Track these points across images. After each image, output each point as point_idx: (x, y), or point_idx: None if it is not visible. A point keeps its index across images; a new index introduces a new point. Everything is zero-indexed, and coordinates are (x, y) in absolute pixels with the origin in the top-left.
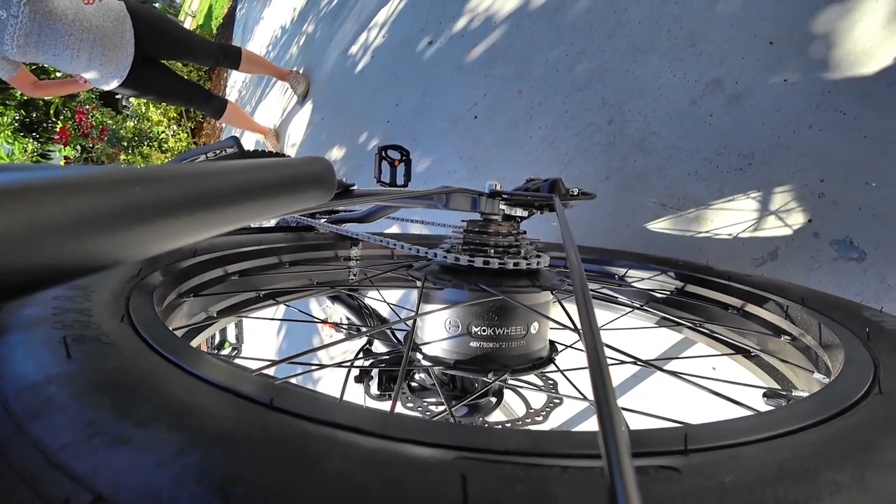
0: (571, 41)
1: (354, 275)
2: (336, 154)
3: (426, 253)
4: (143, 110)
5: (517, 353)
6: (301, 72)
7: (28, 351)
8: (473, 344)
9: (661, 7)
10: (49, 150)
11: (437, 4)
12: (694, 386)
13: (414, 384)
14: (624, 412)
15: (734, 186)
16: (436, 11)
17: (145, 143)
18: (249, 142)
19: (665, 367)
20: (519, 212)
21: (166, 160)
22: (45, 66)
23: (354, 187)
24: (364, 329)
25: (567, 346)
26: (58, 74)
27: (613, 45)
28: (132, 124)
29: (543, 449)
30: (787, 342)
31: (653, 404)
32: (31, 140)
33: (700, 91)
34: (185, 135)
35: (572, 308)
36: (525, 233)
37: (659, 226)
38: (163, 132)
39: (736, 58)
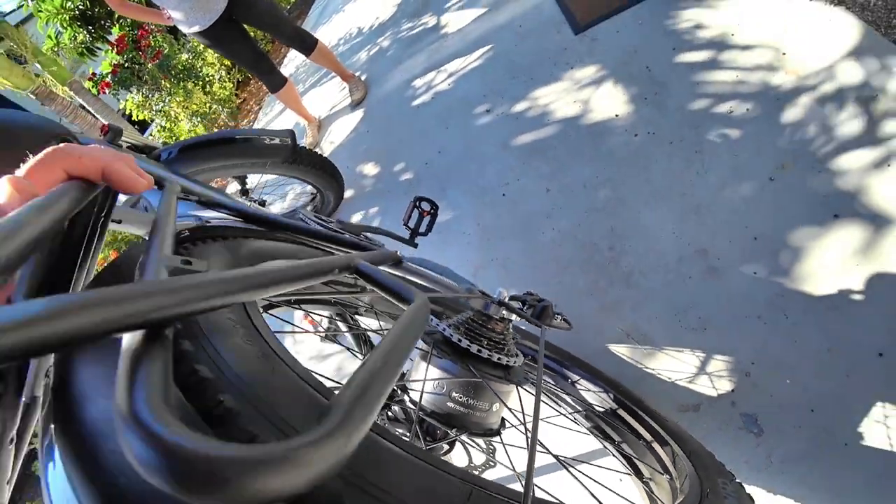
0: (604, 166)
1: (365, 303)
2: (369, 170)
3: (435, 324)
4: (202, 48)
5: (477, 420)
6: (363, 79)
7: None
8: (449, 404)
9: (685, 171)
10: (98, 48)
11: (506, 80)
12: (592, 488)
13: (390, 413)
14: (538, 489)
15: (686, 341)
16: (502, 85)
17: (192, 79)
18: (291, 121)
19: (576, 467)
20: (513, 317)
21: (206, 101)
22: None
23: (403, 259)
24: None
25: (512, 426)
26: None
27: (636, 186)
28: (186, 58)
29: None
30: (667, 480)
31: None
32: (85, 32)
33: (689, 254)
34: (231, 85)
35: (529, 397)
36: (513, 331)
37: (618, 349)
38: (211, 76)
39: (725, 238)
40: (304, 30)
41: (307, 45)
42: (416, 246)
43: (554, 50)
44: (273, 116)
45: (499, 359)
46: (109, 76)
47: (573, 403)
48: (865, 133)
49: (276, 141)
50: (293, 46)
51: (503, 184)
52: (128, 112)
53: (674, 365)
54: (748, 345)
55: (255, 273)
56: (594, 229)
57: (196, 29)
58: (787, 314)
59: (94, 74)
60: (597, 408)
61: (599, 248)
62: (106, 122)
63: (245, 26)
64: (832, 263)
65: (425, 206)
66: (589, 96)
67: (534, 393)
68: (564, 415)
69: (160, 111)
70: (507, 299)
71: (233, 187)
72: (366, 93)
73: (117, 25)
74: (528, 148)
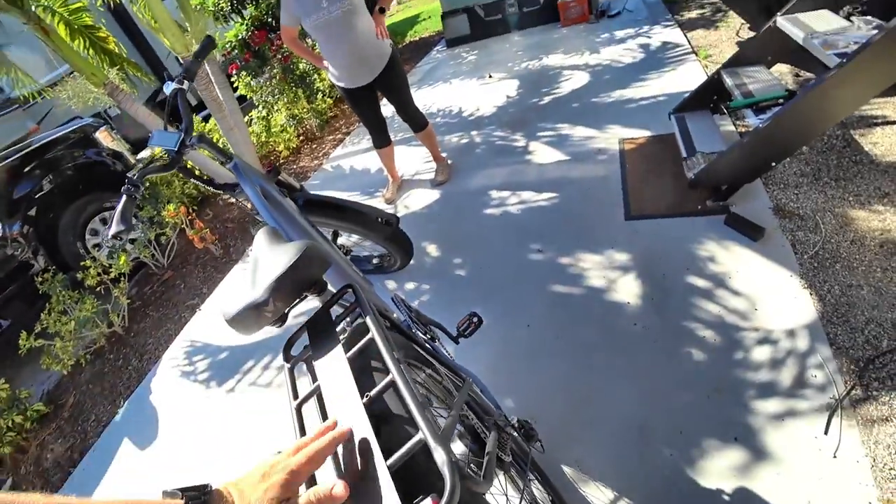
0: (603, 337)
1: None
2: (432, 250)
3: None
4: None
5: None
6: (450, 163)
7: None
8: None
9: (654, 366)
10: (232, 17)
11: (560, 230)
12: None
13: None
14: None
15: (617, 485)
16: (556, 233)
17: (303, 87)
18: (374, 160)
19: None
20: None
21: (306, 108)
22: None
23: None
24: None
25: None
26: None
27: (620, 361)
28: (304, 68)
29: None
30: None
31: None
32: (228, 2)
33: (634, 424)
34: (331, 101)
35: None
36: None
37: (566, 470)
38: (319, 89)
39: (661, 423)
40: (421, 112)
41: (419, 124)
42: (457, 343)
43: (604, 223)
44: (359, 149)
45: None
46: (240, 60)
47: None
48: (787, 390)
49: (384, 222)
50: (407, 122)
51: (531, 318)
52: (236, 88)
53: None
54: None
55: None
56: (578, 380)
57: (342, 85)
58: (679, 487)
59: (227, 53)
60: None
61: (577, 393)
62: (271, 163)
63: (376, 94)
64: (718, 469)
65: (475, 319)
66: (615, 278)
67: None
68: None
69: (265, 101)
70: (515, 423)
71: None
72: (449, 177)
73: (252, 5)
74: (556, 297)
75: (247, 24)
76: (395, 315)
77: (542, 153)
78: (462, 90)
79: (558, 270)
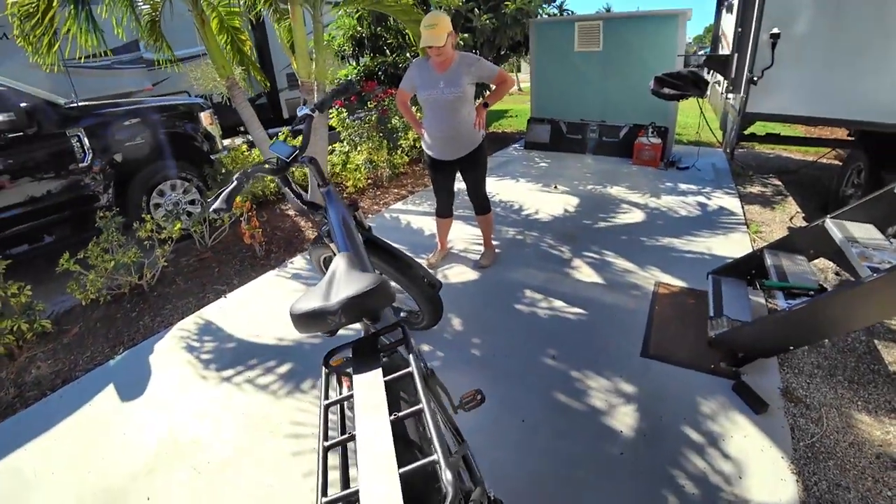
0: (591, 457)
1: None
2: (455, 323)
3: None
4: (404, 124)
5: None
6: (497, 252)
7: None
8: None
9: (630, 499)
10: (349, 60)
11: (579, 347)
12: None
13: None
14: None
15: None
16: (575, 349)
17: (389, 140)
18: (430, 227)
19: None
20: None
21: (384, 158)
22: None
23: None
24: None
25: None
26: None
27: (602, 484)
28: (395, 124)
29: None
30: None
31: None
32: (351, 48)
33: None
34: (408, 159)
35: None
36: None
37: None
38: (401, 146)
39: None
40: (488, 199)
41: (483, 209)
42: (456, 412)
43: (621, 353)
44: (417, 209)
45: None
46: (346, 99)
47: None
48: None
49: (429, 283)
50: (473, 202)
51: (527, 414)
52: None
53: None
54: None
55: None
56: (555, 486)
57: (431, 154)
58: None
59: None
60: None
61: (550, 498)
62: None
63: (457, 171)
64: None
65: (479, 397)
66: (616, 405)
67: None
68: None
69: (351, 139)
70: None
71: None
72: (492, 264)
73: (368, 56)
74: (556, 404)
75: (358, 70)
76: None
77: (583, 271)
78: (527, 191)
79: (566, 380)
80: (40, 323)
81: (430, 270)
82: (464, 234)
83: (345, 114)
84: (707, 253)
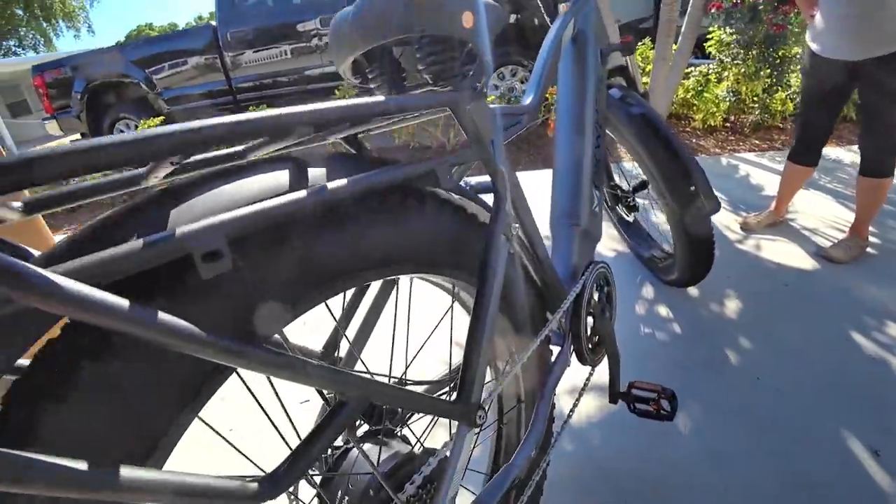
0: None
1: None
2: (712, 303)
3: None
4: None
5: None
6: (868, 249)
7: None
8: None
9: None
10: None
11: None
12: None
13: None
14: None
15: None
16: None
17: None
18: (771, 183)
19: None
20: None
21: (753, 94)
22: None
23: None
24: None
25: None
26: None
27: None
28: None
29: None
30: None
31: None
32: None
33: None
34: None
35: None
36: None
37: None
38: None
39: None
40: (894, 152)
41: (878, 166)
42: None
43: None
44: (771, 163)
45: None
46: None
47: None
48: None
49: (696, 195)
50: (862, 153)
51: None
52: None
53: None
54: None
55: None
56: None
57: (814, 47)
58: None
59: None
60: None
61: None
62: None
63: (853, 90)
64: None
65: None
66: None
67: None
68: None
69: (721, 60)
70: None
71: None
72: (850, 260)
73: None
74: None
75: None
76: None
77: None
78: None
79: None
80: None
81: (745, 231)
82: (819, 204)
83: (727, 33)
84: None
